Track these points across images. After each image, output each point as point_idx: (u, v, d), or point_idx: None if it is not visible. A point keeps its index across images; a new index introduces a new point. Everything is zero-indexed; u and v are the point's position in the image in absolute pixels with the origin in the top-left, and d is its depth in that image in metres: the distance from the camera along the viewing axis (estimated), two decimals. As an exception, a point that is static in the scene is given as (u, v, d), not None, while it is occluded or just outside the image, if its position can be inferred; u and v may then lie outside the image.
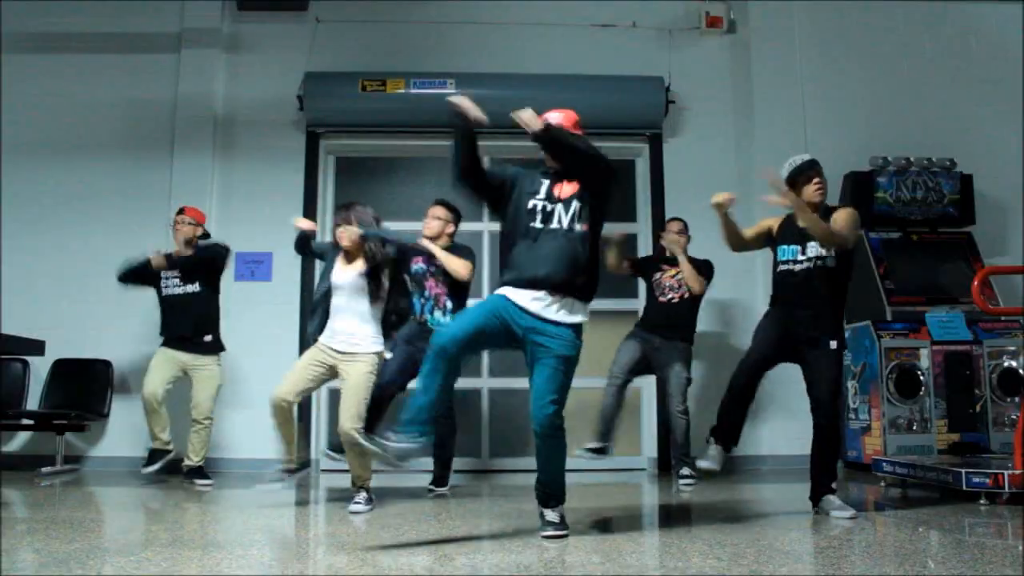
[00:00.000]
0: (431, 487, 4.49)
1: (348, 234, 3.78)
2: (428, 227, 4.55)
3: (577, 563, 2.57)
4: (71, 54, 6.04)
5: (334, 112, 5.94)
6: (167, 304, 4.95)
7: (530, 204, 3.07)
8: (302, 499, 4.47)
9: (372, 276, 3.78)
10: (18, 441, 5.68)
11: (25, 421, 5.48)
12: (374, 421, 4.26)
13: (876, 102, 6.17)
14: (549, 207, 3.05)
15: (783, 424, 5.67)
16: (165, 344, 4.93)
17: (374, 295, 3.79)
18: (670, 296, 5.07)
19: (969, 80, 6.27)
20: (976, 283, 4.07)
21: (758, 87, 6.11)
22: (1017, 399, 4.96)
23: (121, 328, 5.71)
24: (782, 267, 3.72)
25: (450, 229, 4.58)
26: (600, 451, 4.86)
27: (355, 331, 3.78)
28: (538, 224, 3.04)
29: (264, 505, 4.08)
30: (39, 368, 5.66)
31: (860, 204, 4.98)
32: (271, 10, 6.12)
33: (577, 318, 3.02)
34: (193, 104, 5.92)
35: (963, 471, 3.80)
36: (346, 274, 3.81)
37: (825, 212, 3.69)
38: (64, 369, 5.64)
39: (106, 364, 5.66)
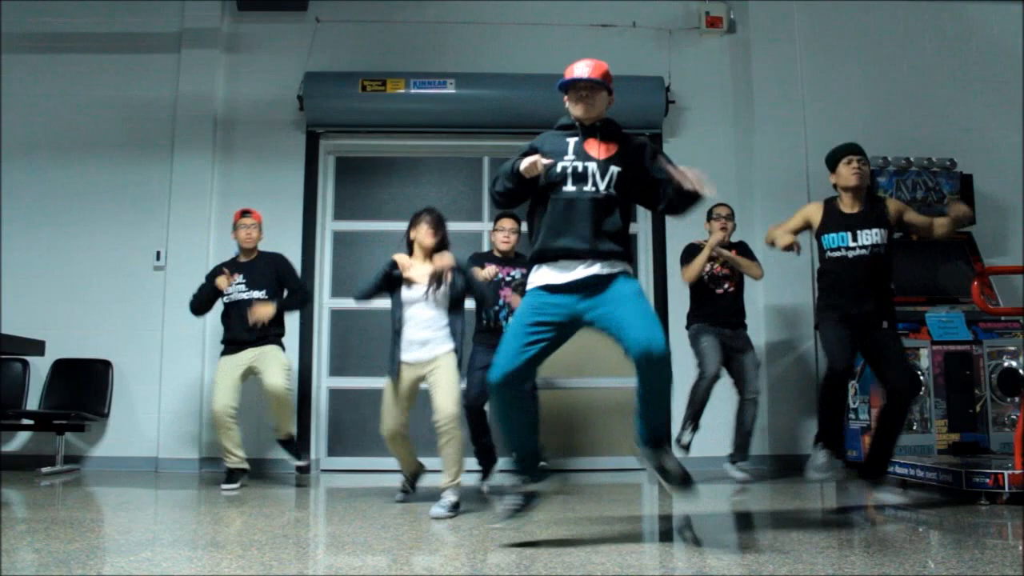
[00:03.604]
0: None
1: (444, 261, 3.76)
2: (505, 242, 4.67)
3: (577, 563, 2.57)
4: (71, 54, 6.03)
5: (334, 112, 5.93)
6: (231, 308, 4.78)
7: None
8: (302, 499, 4.47)
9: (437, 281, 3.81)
10: (18, 441, 5.68)
11: (25, 421, 5.48)
12: (485, 438, 4.51)
13: (876, 102, 6.16)
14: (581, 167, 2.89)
15: (782, 424, 5.67)
16: (226, 352, 4.77)
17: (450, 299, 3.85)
18: (725, 286, 4.97)
19: (969, 80, 6.27)
20: (976, 283, 4.08)
21: (758, 87, 6.11)
22: (1017, 399, 4.96)
23: (121, 328, 5.71)
24: (833, 255, 3.83)
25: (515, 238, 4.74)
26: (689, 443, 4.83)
27: (430, 337, 3.79)
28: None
29: (264, 505, 4.08)
30: (39, 368, 5.65)
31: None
32: (271, 10, 6.11)
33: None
34: (193, 104, 5.92)
35: (963, 471, 3.81)
36: (420, 287, 3.78)
37: (868, 198, 3.84)
38: (64, 369, 5.64)
39: (106, 364, 5.65)
